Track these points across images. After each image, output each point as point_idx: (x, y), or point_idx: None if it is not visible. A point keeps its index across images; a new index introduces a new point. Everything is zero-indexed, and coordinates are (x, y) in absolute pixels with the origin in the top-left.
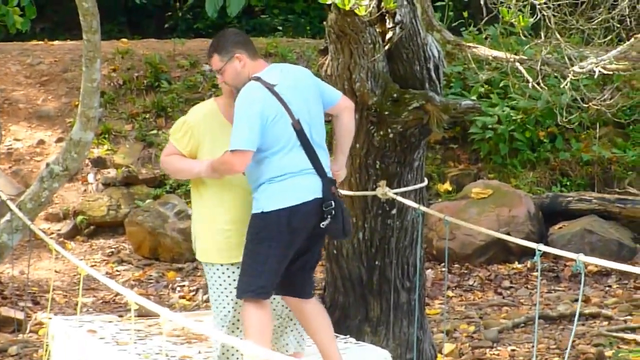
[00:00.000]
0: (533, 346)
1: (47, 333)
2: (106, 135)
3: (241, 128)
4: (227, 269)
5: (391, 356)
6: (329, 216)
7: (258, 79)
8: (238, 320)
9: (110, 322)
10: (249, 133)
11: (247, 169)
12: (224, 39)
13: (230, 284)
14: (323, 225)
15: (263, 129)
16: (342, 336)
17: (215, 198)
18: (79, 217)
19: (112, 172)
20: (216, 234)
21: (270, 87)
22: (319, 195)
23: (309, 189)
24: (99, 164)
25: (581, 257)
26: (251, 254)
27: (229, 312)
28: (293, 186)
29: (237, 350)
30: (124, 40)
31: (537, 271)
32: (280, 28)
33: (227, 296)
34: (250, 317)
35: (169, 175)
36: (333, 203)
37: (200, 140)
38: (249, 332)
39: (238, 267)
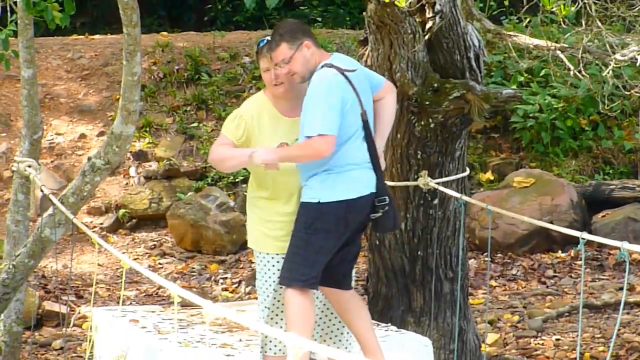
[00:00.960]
0: (578, 335)
1: (91, 325)
2: (147, 129)
3: (324, 112)
4: (273, 257)
5: (434, 345)
6: (381, 210)
7: (331, 65)
8: (278, 307)
9: (152, 312)
10: (335, 117)
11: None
12: (290, 27)
13: (274, 273)
14: (373, 217)
15: (341, 115)
16: (382, 324)
17: (270, 192)
18: (121, 211)
19: (153, 165)
20: (267, 224)
21: (345, 75)
22: (374, 189)
23: (367, 183)
24: (141, 157)
25: (626, 245)
26: (304, 244)
27: (273, 298)
28: (353, 179)
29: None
30: (164, 33)
31: (580, 260)
32: (319, 19)
33: (270, 285)
34: (295, 306)
35: (216, 167)
36: (387, 199)
37: (252, 132)
38: (294, 321)
39: (282, 257)
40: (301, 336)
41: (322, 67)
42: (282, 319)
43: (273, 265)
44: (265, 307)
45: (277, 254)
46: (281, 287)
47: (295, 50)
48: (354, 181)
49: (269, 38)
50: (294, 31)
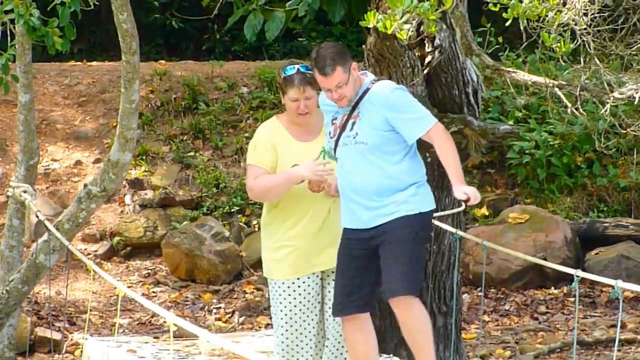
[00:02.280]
0: None
1: (82, 354)
2: (144, 157)
3: (423, 108)
4: (283, 283)
5: None
6: None
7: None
8: (294, 335)
9: (146, 342)
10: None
11: (386, 160)
12: (338, 51)
13: (285, 299)
14: None
15: None
16: (385, 355)
17: (282, 215)
18: (116, 238)
19: (149, 194)
20: (279, 250)
21: None
22: None
23: None
24: (136, 185)
25: (619, 284)
26: (416, 255)
27: (282, 326)
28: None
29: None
30: (162, 62)
31: (573, 297)
32: None
33: (281, 310)
34: (423, 316)
35: (262, 200)
36: None
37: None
38: (428, 334)
39: (293, 283)
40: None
41: (377, 80)
42: (298, 352)
43: (284, 291)
44: (281, 334)
45: (289, 280)
46: (295, 315)
47: (348, 74)
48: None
49: (298, 67)
50: (342, 54)
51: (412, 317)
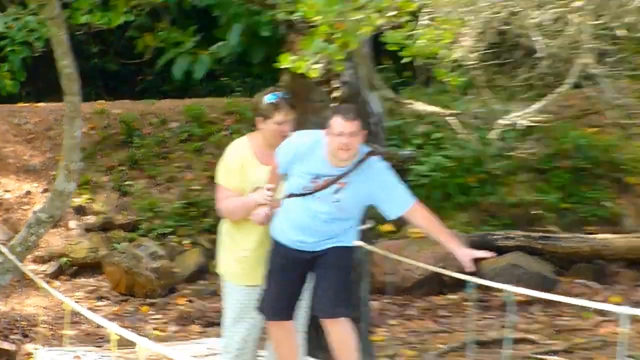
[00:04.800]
0: None
1: None
2: (86, 186)
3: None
4: (241, 289)
5: None
6: None
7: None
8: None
9: (90, 351)
10: None
11: (347, 216)
12: (353, 108)
13: (241, 303)
14: None
15: None
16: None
17: (237, 226)
18: (63, 259)
19: (91, 219)
20: (235, 259)
21: None
22: None
23: None
24: (80, 211)
25: (509, 288)
26: (350, 281)
27: (246, 328)
28: None
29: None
30: (101, 101)
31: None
32: (239, 89)
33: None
34: (353, 334)
35: (230, 217)
36: None
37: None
38: (355, 348)
39: (248, 288)
40: None
41: (371, 156)
42: (243, 351)
43: (241, 296)
44: (231, 333)
45: (246, 286)
46: (246, 315)
47: (360, 131)
48: None
49: (281, 94)
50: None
51: (344, 334)
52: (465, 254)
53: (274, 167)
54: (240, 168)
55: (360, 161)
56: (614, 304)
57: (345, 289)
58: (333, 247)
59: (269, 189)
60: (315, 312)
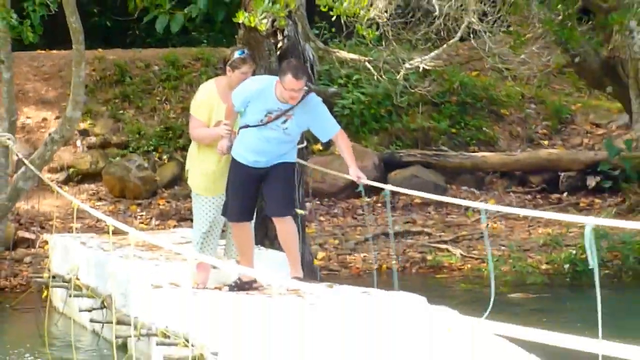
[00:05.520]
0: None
1: (49, 247)
2: (89, 114)
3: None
4: (208, 199)
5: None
6: None
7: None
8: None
9: (92, 237)
10: None
11: (293, 141)
12: (305, 69)
13: (204, 209)
14: None
15: None
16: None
17: (203, 147)
18: (71, 170)
19: (92, 139)
20: (203, 173)
21: None
22: None
23: None
24: (84, 133)
25: (390, 187)
26: (292, 187)
27: (207, 230)
28: None
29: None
30: (100, 50)
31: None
32: (205, 41)
33: (206, 218)
34: (295, 229)
35: (198, 141)
36: None
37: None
38: (297, 240)
39: (214, 198)
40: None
41: (309, 94)
42: (211, 242)
43: (209, 205)
44: (201, 233)
45: (212, 197)
46: (214, 218)
47: (303, 86)
48: None
49: (245, 51)
50: (307, 71)
51: (289, 229)
52: (354, 174)
53: (229, 106)
54: (207, 104)
55: (302, 98)
56: (489, 204)
57: (289, 195)
58: (280, 163)
59: (225, 124)
60: (267, 213)
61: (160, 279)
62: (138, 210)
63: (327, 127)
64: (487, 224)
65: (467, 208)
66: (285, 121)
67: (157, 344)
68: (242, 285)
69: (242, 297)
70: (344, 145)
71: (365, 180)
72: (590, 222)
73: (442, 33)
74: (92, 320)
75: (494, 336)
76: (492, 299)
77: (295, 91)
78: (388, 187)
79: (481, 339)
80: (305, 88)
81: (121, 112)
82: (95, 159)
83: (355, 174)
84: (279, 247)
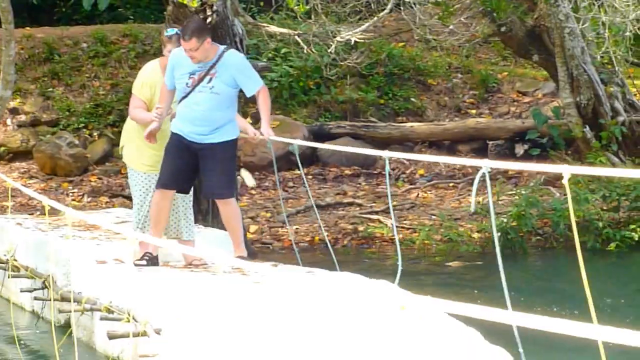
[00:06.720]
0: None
1: None
2: (19, 92)
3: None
4: (145, 175)
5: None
6: None
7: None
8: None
9: (26, 219)
10: None
11: (225, 105)
12: (198, 27)
13: (143, 186)
14: None
15: None
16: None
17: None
18: (2, 148)
19: (23, 117)
20: (140, 148)
21: None
22: None
23: None
24: (14, 112)
25: (296, 143)
26: (233, 168)
27: (144, 205)
28: None
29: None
30: (28, 28)
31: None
32: (132, 17)
33: (144, 193)
34: (238, 210)
35: (135, 121)
36: None
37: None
38: (240, 221)
39: (149, 175)
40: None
41: (228, 50)
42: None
43: (143, 180)
44: (139, 208)
45: (145, 172)
46: (148, 195)
47: (200, 44)
48: None
49: (176, 30)
50: (200, 30)
51: (232, 210)
52: (265, 131)
53: (163, 87)
54: (150, 83)
55: (221, 55)
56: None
57: (231, 175)
58: (219, 142)
59: (157, 108)
60: (207, 194)
61: (104, 257)
62: (70, 187)
63: (250, 83)
64: (418, 194)
65: (397, 178)
66: (210, 80)
67: (101, 319)
68: (154, 260)
69: (187, 274)
70: (262, 102)
71: (274, 137)
72: (486, 164)
73: (371, 6)
74: (36, 298)
75: (442, 313)
76: (399, 269)
77: (188, 51)
78: (295, 142)
79: (430, 317)
80: (224, 46)
81: (50, 90)
82: (25, 137)
83: (266, 131)
84: (214, 224)
